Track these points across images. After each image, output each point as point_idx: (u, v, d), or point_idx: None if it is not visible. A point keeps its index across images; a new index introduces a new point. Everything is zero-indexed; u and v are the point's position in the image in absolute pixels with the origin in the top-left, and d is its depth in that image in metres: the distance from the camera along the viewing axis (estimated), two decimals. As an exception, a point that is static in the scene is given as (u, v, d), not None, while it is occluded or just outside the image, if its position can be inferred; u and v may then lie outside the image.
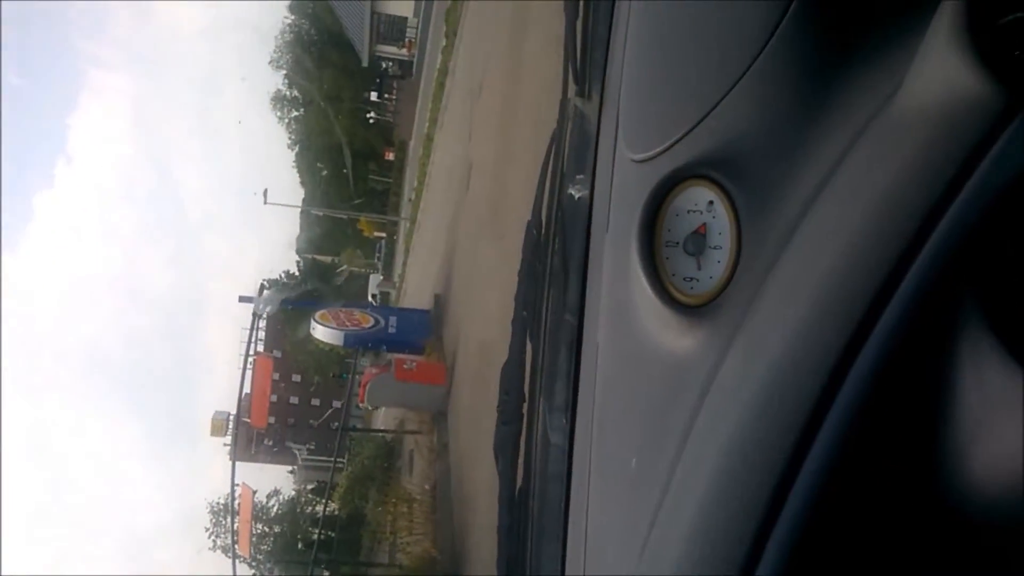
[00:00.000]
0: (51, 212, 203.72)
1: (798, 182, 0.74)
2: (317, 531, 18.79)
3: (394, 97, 47.45)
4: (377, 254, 43.33)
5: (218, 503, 32.98)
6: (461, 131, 15.25)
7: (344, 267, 39.53)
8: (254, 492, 22.13)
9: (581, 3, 1.29)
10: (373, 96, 48.88)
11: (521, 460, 1.26)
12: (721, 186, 0.81)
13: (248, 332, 15.65)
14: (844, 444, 0.60)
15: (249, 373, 16.17)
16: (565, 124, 1.38)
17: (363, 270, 42.39)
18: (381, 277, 37.16)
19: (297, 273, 45.34)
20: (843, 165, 0.70)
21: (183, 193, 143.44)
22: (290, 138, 50.19)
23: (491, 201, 9.96)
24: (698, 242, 0.82)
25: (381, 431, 18.03)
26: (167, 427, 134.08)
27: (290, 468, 39.60)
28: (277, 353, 35.42)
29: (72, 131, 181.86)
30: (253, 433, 34.13)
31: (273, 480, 41.91)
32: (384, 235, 42.64)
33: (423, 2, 29.10)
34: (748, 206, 0.78)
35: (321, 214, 41.05)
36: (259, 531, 32.71)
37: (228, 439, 26.34)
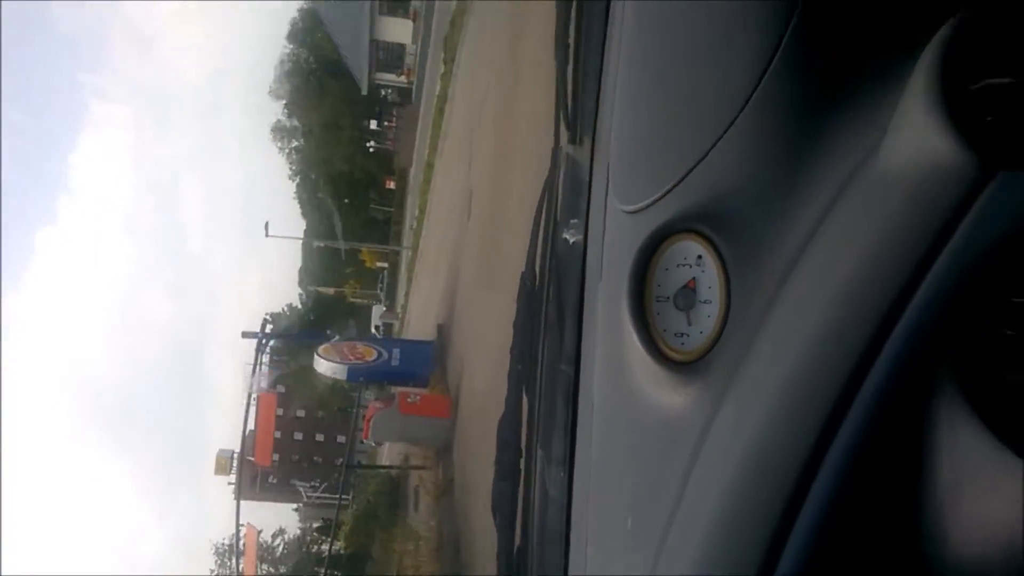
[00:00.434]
0: (54, 248, 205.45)
1: (785, 236, 0.74)
2: (323, 571, 18.50)
3: (394, 125, 47.31)
4: (380, 284, 43.04)
5: (223, 544, 32.71)
6: (462, 157, 15.07)
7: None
8: (259, 531, 21.86)
9: (571, 50, 1.30)
10: (373, 124, 48.75)
11: (519, 516, 1.26)
12: (709, 239, 0.81)
13: (251, 367, 15.39)
14: (833, 504, 0.63)
15: (253, 410, 15.96)
16: (557, 172, 1.40)
17: (366, 301, 42.14)
18: (384, 308, 36.97)
19: (299, 306, 45.19)
20: (828, 221, 0.71)
21: (185, 226, 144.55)
22: (291, 168, 50.04)
23: (492, 223, 9.81)
24: (688, 297, 0.82)
25: (386, 467, 17.91)
26: (170, 465, 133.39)
27: (295, 506, 39.18)
28: (281, 388, 35.12)
29: (74, 165, 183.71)
30: (258, 471, 33.69)
31: (278, 518, 41.44)
32: (386, 265, 42.46)
33: (421, 28, 29.16)
34: (736, 260, 0.78)
35: (323, 245, 40.76)
36: (264, 572, 32.28)
37: (232, 477, 26.01)
